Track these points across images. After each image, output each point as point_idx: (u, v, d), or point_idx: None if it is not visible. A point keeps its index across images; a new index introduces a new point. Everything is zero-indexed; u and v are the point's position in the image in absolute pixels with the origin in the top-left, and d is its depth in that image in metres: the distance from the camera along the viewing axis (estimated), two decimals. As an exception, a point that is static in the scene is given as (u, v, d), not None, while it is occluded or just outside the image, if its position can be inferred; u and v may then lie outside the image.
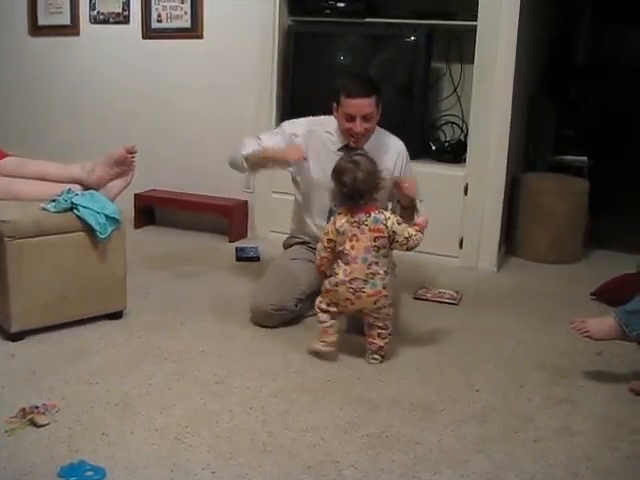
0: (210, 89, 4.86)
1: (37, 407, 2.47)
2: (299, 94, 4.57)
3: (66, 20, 5.28)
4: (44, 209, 3.04)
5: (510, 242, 4.62)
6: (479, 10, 4.10)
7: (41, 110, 5.49)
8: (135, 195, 4.65)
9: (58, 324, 3.14)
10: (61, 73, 5.37)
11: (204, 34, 4.85)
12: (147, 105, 5.06)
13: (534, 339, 3.29)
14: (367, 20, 4.44)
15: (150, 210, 4.96)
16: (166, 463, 2.22)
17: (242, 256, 4.26)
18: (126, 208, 3.64)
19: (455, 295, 3.76)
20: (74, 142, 5.27)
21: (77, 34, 5.26)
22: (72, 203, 3.03)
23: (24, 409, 2.46)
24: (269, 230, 4.70)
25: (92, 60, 5.23)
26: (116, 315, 3.28)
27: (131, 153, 3.27)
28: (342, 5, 4.45)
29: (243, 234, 4.74)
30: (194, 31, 4.84)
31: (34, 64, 5.47)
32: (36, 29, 5.42)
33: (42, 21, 5.40)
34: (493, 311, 3.63)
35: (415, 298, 3.74)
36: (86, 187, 3.25)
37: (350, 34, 4.55)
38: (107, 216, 3.07)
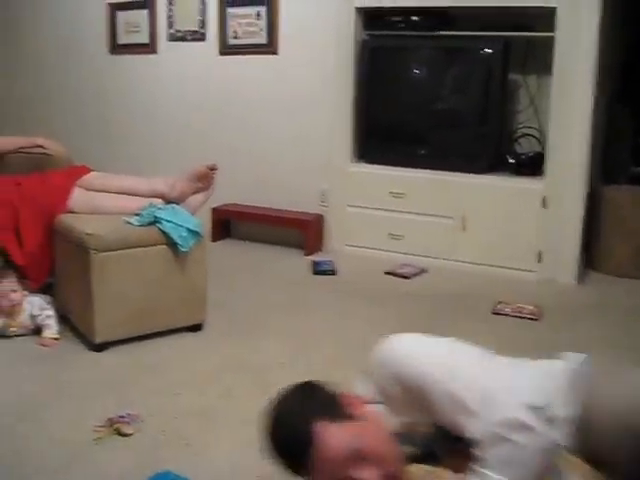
0: (285, 104, 4.90)
1: (123, 417, 2.51)
2: (374, 109, 4.57)
3: (144, 39, 5.40)
4: (128, 222, 3.10)
5: (590, 255, 4.51)
6: (557, 21, 4.02)
7: (120, 125, 5.61)
8: (212, 209, 4.71)
9: (140, 335, 3.19)
10: (140, 89, 5.49)
11: (279, 50, 4.89)
12: (223, 120, 5.13)
13: (622, 354, 3.18)
14: (442, 33, 4.41)
15: (227, 223, 5.01)
16: (251, 476, 2.22)
17: (319, 270, 4.26)
18: (203, 222, 3.68)
19: (535, 310, 3.67)
20: (153, 156, 5.38)
21: (155, 52, 5.37)
22: (155, 217, 3.08)
23: (111, 419, 2.50)
24: (344, 244, 4.70)
25: (170, 76, 5.34)
26: (196, 327, 3.32)
27: (212, 170, 3.36)
28: (416, 19, 4.41)
29: (318, 248, 4.74)
30: (269, 47, 4.89)
31: (114, 81, 5.60)
32: (116, 48, 5.57)
33: (121, 40, 5.54)
34: (576, 326, 3.53)
35: (494, 313, 3.67)
36: (168, 201, 3.31)
37: (425, 47, 4.52)
38: (189, 229, 3.12)
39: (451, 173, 4.38)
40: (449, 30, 4.41)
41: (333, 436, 1.62)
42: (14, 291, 3.17)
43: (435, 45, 4.48)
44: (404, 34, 4.49)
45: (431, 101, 4.48)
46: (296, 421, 1.67)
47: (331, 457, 1.61)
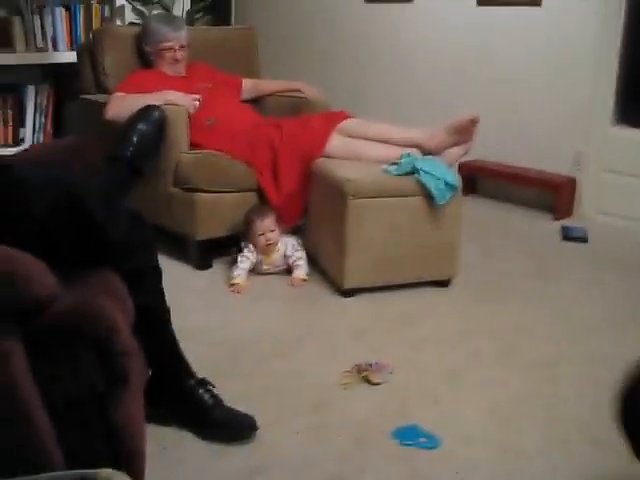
0: (543, 58, 4.62)
1: (371, 365, 2.51)
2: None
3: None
4: (386, 171, 3.07)
5: None
6: None
7: (373, 74, 5.60)
8: (460, 164, 4.59)
9: (387, 285, 3.17)
10: (394, 39, 5.43)
11: (542, 2, 4.61)
12: (478, 73, 4.95)
13: None
14: None
15: (473, 180, 4.87)
16: (496, 442, 2.14)
17: (569, 235, 4.02)
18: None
19: None
20: (404, 106, 5.31)
21: (411, 0, 5.27)
22: (414, 167, 3.02)
23: (359, 365, 2.51)
24: (597, 211, 4.40)
25: (425, 26, 5.22)
26: (443, 283, 3.25)
27: (473, 122, 3.22)
28: None
29: (569, 213, 4.48)
30: (533, -2, 4.62)
31: (369, 30, 5.58)
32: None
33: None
34: None
35: None
36: (425, 152, 3.24)
37: None
38: (446, 182, 3.03)
39: None
40: None
41: None
42: (272, 230, 3.26)
43: None
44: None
45: None
46: None
47: None
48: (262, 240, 3.25)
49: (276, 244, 3.29)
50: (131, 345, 1.62)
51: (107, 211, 1.75)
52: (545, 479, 1.99)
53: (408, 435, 2.16)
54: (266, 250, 3.28)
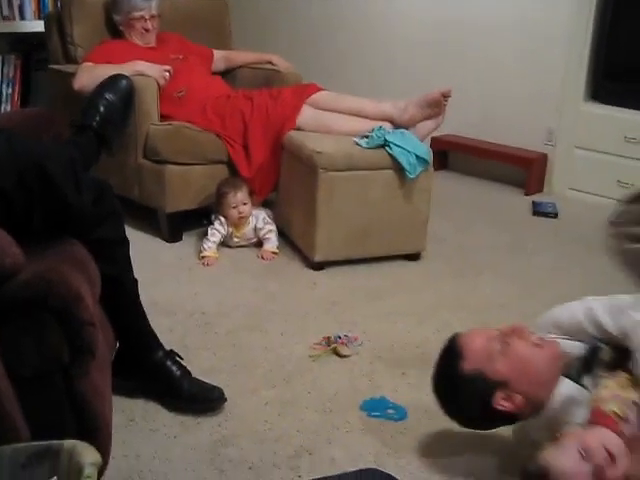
0: (516, 34, 4.60)
1: (340, 338, 2.52)
2: (617, 43, 4.18)
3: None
4: (357, 144, 3.06)
5: None
6: None
7: (347, 43, 5.54)
8: (432, 139, 4.58)
9: (357, 259, 3.18)
10: (369, 12, 5.38)
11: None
12: (452, 48, 4.93)
13: None
14: None
15: (445, 154, 4.88)
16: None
17: (539, 210, 4.05)
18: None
19: None
20: (379, 81, 5.28)
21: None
22: (385, 140, 3.01)
23: (328, 338, 2.52)
24: (567, 187, 4.43)
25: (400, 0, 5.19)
26: (414, 257, 3.26)
27: (445, 96, 3.22)
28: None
29: (540, 188, 4.50)
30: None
31: (344, 4, 5.52)
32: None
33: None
34: None
35: None
36: (396, 126, 3.23)
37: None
38: (417, 156, 3.03)
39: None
40: None
41: None
42: (245, 204, 3.25)
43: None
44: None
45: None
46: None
47: None
48: (234, 213, 3.24)
49: (248, 217, 3.28)
50: (97, 316, 1.61)
51: (73, 181, 1.73)
52: (510, 449, 2.01)
53: (376, 407, 2.17)
54: (238, 223, 3.27)
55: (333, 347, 2.47)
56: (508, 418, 1.79)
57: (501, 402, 1.74)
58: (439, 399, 1.86)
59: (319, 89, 3.47)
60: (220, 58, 3.95)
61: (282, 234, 3.37)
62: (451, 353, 1.82)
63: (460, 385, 1.77)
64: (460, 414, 1.85)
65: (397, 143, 3.00)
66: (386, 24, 5.26)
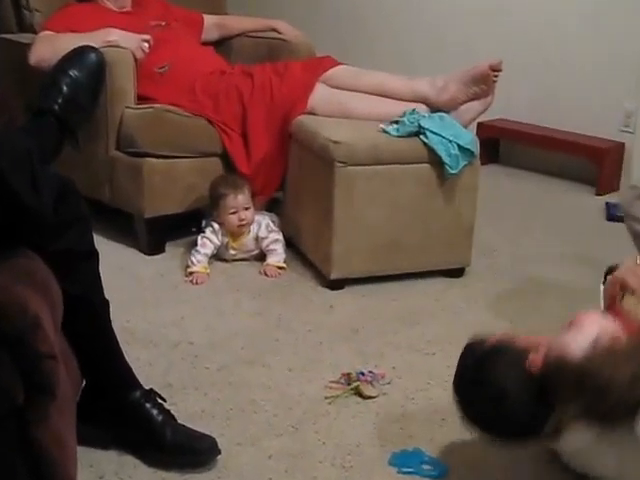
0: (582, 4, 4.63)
1: (364, 374, 2.52)
2: None
3: None
4: (384, 131, 3.08)
5: None
6: None
7: (372, 15, 5.59)
8: (477, 124, 4.60)
9: (384, 275, 3.20)
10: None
11: None
12: (503, 14, 4.95)
13: None
14: None
15: (495, 144, 4.90)
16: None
17: (615, 214, 4.05)
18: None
19: None
20: (410, 53, 5.31)
21: None
22: (419, 126, 3.03)
23: (348, 374, 2.52)
24: (650, 184, 4.44)
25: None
26: (456, 273, 3.28)
27: (496, 70, 3.24)
28: None
29: (615, 186, 4.52)
30: None
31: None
32: None
33: None
34: None
35: None
36: (434, 108, 3.25)
37: None
38: (460, 146, 3.04)
39: None
40: None
41: None
42: (247, 208, 3.26)
43: None
44: None
45: None
46: None
47: None
48: (234, 219, 3.26)
49: (249, 224, 3.29)
50: (59, 346, 1.63)
51: (29, 178, 1.74)
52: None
53: (408, 461, 2.17)
54: (236, 232, 3.29)
55: (354, 386, 2.47)
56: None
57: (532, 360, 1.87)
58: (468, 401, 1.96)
59: (336, 63, 3.50)
60: (212, 25, 3.99)
61: (290, 245, 3.40)
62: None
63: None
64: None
65: (434, 130, 3.02)
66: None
